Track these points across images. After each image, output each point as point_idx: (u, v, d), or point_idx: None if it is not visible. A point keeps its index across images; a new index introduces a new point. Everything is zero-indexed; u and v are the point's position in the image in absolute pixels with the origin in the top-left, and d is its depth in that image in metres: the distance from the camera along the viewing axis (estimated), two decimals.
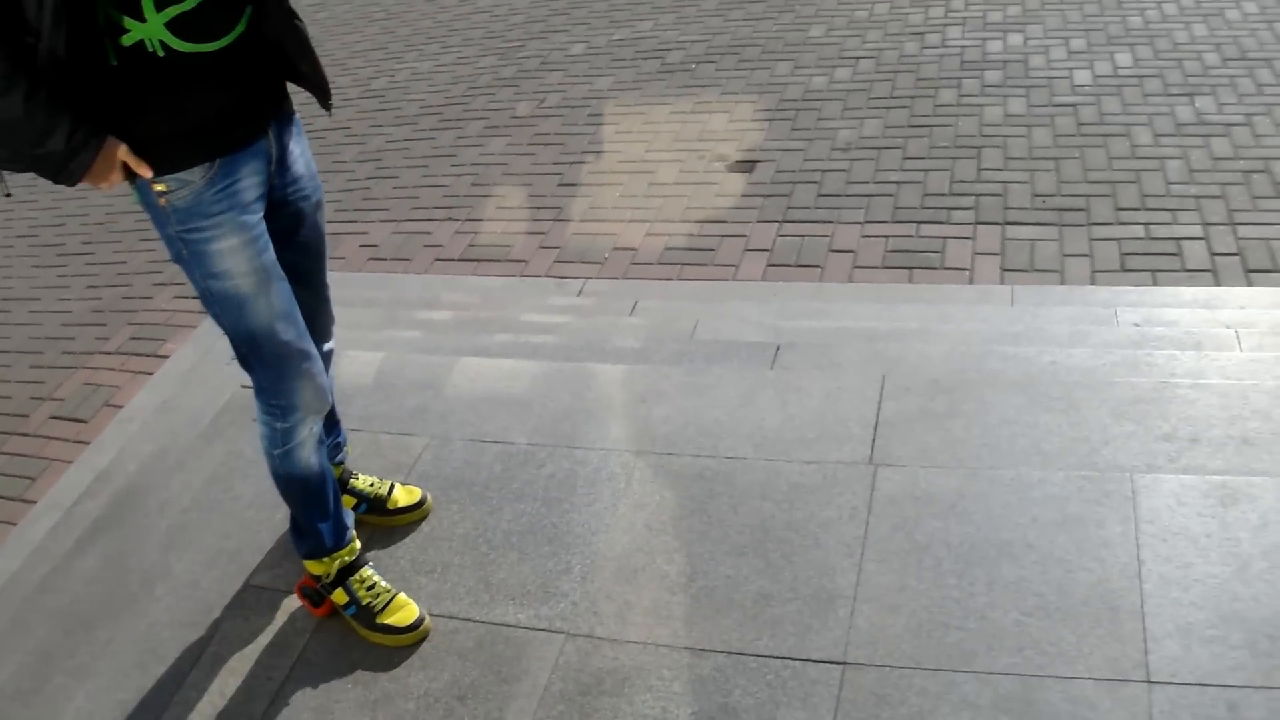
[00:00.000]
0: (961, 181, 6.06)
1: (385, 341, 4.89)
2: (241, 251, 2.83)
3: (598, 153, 7.11)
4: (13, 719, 3.44)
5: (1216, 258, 5.24)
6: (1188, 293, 4.93)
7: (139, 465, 4.47)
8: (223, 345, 5.09)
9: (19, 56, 2.48)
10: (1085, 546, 3.18)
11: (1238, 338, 4.28)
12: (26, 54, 2.49)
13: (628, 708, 3.01)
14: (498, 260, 6.11)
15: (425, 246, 6.40)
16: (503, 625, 3.31)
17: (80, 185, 2.73)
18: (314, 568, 3.42)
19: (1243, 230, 5.40)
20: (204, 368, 5.12)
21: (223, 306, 2.92)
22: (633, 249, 5.94)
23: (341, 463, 3.70)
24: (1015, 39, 7.63)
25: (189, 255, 2.84)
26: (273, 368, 3.03)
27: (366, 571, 3.43)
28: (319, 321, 3.34)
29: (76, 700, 3.43)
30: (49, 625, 3.76)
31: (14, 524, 4.62)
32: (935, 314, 4.70)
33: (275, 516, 3.83)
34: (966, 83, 7.13)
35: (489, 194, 6.89)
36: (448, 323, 5.25)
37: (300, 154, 3.06)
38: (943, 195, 5.95)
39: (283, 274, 2.96)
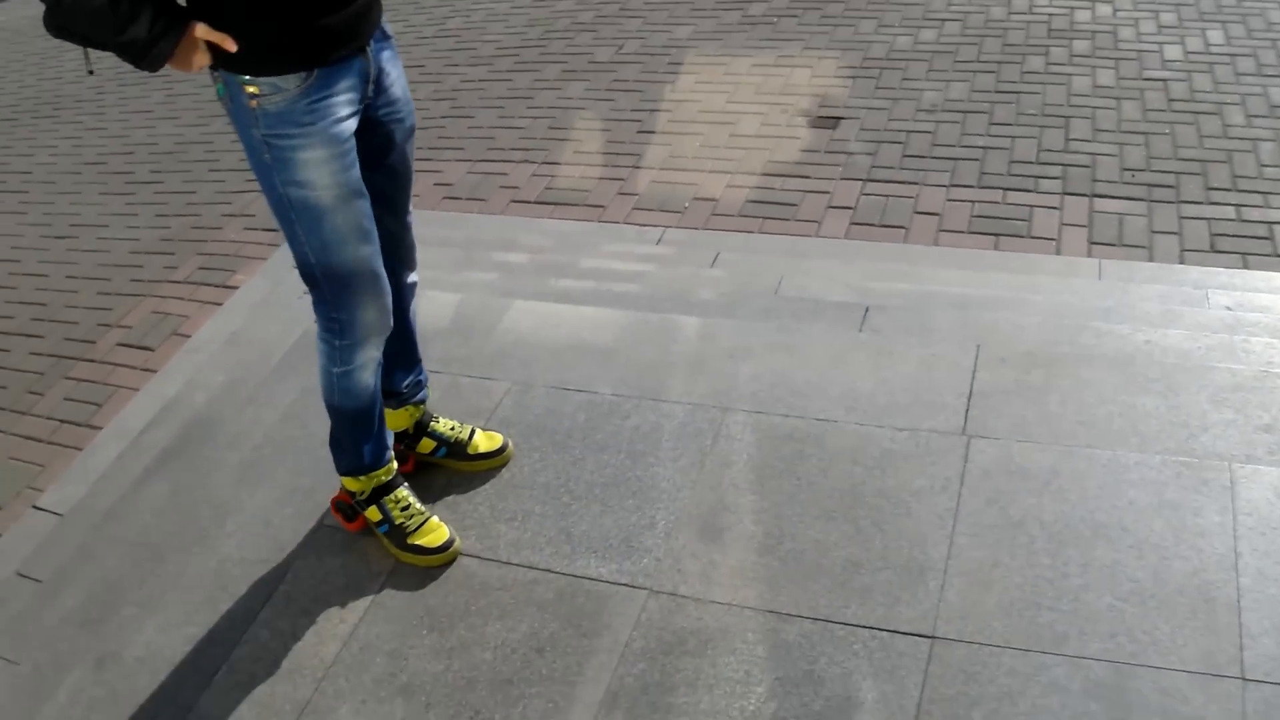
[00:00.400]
0: (1049, 150, 5.95)
1: (463, 283, 4.84)
2: (327, 165, 2.81)
3: (677, 101, 7.01)
4: (82, 648, 3.43)
5: None
6: None
7: (208, 397, 4.45)
8: (294, 278, 5.07)
9: None
10: (1181, 534, 3.11)
11: None
12: None
13: (710, 669, 2.97)
14: (575, 205, 6.05)
15: (501, 188, 6.34)
16: (584, 578, 3.27)
17: (179, 90, 2.73)
18: (350, 484, 3.45)
19: None
20: (274, 301, 5.10)
21: (298, 214, 2.89)
22: (713, 199, 5.86)
23: (423, 403, 3.67)
24: (1104, 9, 7.48)
25: (271, 160, 2.81)
26: (339, 282, 3.01)
27: (402, 492, 3.45)
28: (402, 250, 3.33)
29: (146, 632, 3.41)
30: (117, 554, 3.74)
31: (80, 449, 4.62)
32: (1024, 284, 4.62)
33: None
34: (1054, 51, 7.00)
35: (566, 138, 6.82)
36: (525, 266, 5.19)
37: (397, 77, 3.03)
38: (1030, 163, 5.85)
39: (365, 192, 2.94)
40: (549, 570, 3.32)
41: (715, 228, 5.62)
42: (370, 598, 3.36)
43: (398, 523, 3.41)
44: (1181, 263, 5.05)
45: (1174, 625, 2.87)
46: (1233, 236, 5.18)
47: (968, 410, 3.63)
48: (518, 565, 3.35)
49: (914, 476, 3.41)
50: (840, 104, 6.66)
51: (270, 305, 5.08)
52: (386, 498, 3.43)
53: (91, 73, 2.88)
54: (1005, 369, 3.77)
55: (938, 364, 3.84)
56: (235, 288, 5.58)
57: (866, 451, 3.52)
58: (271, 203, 2.92)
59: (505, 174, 6.48)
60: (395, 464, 3.48)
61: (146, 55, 2.61)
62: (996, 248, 5.21)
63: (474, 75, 7.97)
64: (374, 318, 3.09)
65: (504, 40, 8.50)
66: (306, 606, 3.38)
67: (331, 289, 3.02)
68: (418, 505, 3.45)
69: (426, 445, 3.67)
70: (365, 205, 2.94)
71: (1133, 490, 3.26)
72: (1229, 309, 4.42)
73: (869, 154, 6.08)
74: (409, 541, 3.40)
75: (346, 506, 3.53)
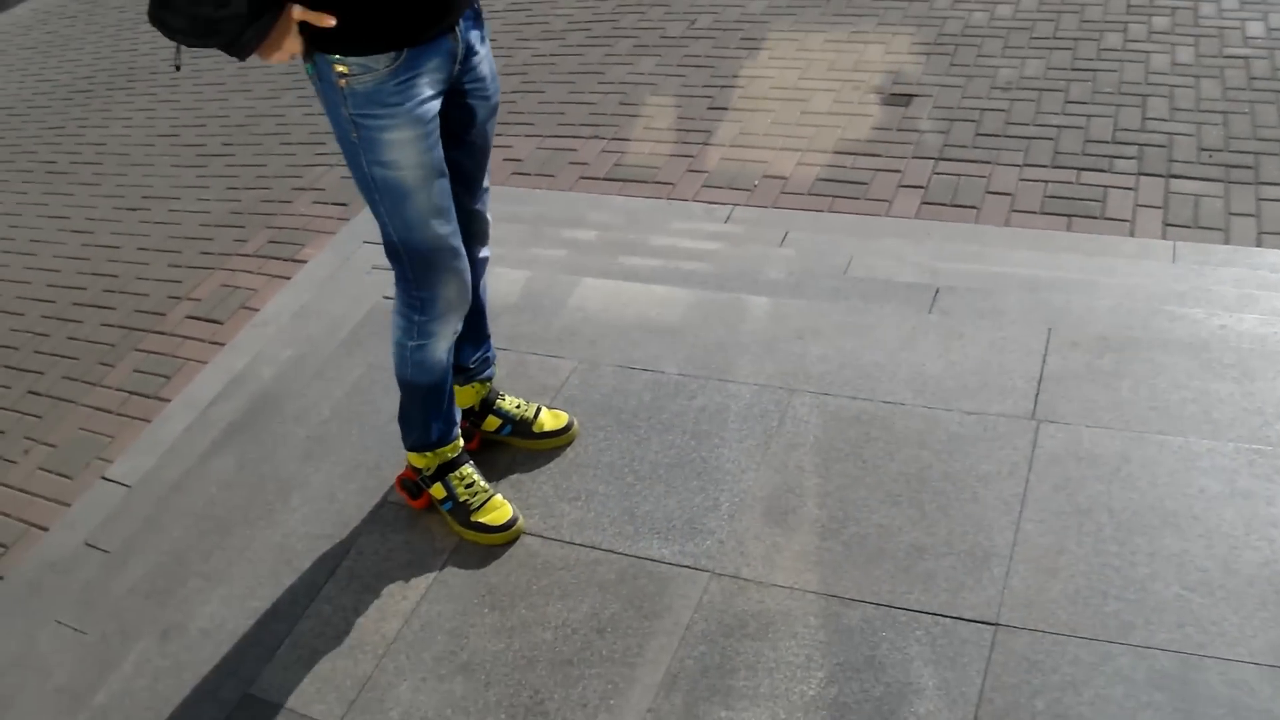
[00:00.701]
0: (1125, 130, 5.86)
1: (531, 259, 4.84)
2: (413, 145, 2.83)
3: (749, 77, 6.95)
4: (148, 619, 3.47)
5: None
6: None
7: (275, 371, 4.48)
8: (363, 253, 5.13)
9: None
10: (1254, 524, 3.07)
11: None
12: None
13: (771, 653, 2.96)
14: (644, 181, 6.02)
15: (570, 164, 6.32)
16: (646, 559, 3.27)
17: (251, 62, 2.74)
18: (416, 460, 3.47)
19: None
20: (343, 275, 5.11)
21: (383, 194, 2.92)
22: (783, 178, 5.82)
23: (489, 380, 3.68)
24: None
25: (359, 139, 2.83)
26: (421, 259, 3.03)
27: (467, 469, 3.47)
28: (476, 225, 3.35)
29: (211, 605, 3.46)
30: (184, 526, 3.79)
31: (149, 421, 4.65)
32: (1097, 266, 4.55)
33: None
34: (1133, 28, 6.89)
35: (636, 114, 6.78)
36: (593, 243, 5.18)
37: (485, 56, 3.05)
38: (1105, 143, 5.76)
39: (446, 171, 2.96)
40: (611, 551, 3.32)
41: (785, 206, 5.57)
42: (433, 575, 3.38)
43: (461, 500, 3.43)
44: (1259, 245, 4.96)
45: (1243, 616, 2.83)
46: None
47: (1037, 394, 3.59)
48: (580, 545, 3.36)
49: (981, 461, 3.38)
50: (913, 81, 6.59)
51: (338, 280, 5.09)
52: (451, 474, 3.45)
53: (178, 68, 2.89)
54: (1076, 353, 3.72)
55: (1007, 347, 3.80)
56: (304, 262, 5.59)
57: (933, 435, 3.49)
58: (358, 180, 2.95)
59: (574, 150, 6.46)
60: (461, 441, 3.49)
61: (241, 36, 2.60)
62: (1069, 229, 5.14)
63: (545, 49, 7.94)
64: (454, 294, 3.11)
65: (576, 14, 8.47)
66: (369, 582, 3.41)
67: (414, 265, 3.05)
68: (482, 483, 3.47)
69: (492, 423, 3.68)
70: (446, 184, 2.97)
71: (1204, 478, 3.22)
72: None
73: (942, 132, 6.01)
74: (472, 519, 3.42)
75: (411, 483, 3.55)
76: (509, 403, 3.70)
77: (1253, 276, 4.48)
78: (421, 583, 3.37)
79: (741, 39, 7.47)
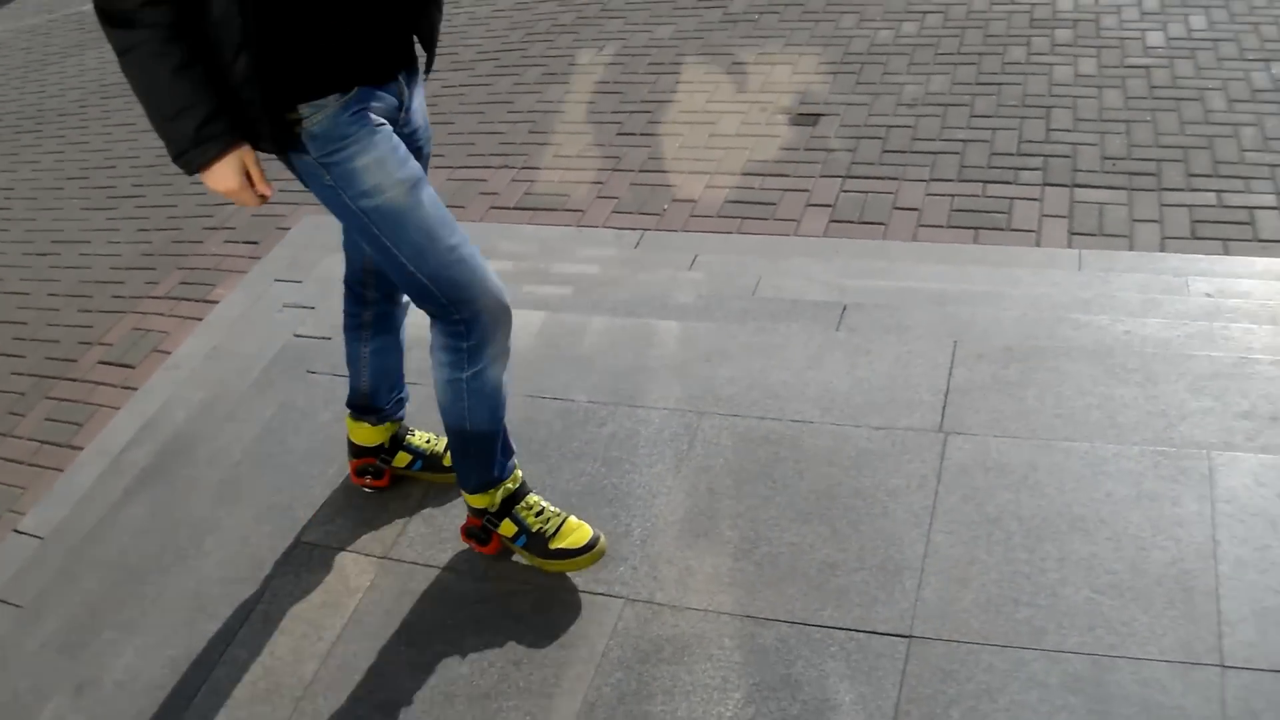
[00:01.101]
0: (1030, 141, 5.94)
1: None
2: (386, 163, 2.77)
3: (657, 102, 7.00)
4: (62, 674, 3.41)
5: None
6: (1260, 263, 4.82)
7: (187, 414, 4.44)
8: (274, 291, 5.11)
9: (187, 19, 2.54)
10: (1160, 524, 3.10)
11: None
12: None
13: (687, 676, 2.95)
14: (554, 209, 6.03)
15: (481, 194, 6.32)
16: (560, 588, 3.25)
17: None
18: (478, 501, 3.28)
19: None
20: (254, 315, 5.09)
21: (382, 226, 2.81)
22: (692, 201, 5.85)
23: (402, 419, 3.64)
24: None
25: (334, 179, 2.77)
26: (448, 280, 2.87)
27: (532, 497, 3.29)
28: None
29: (126, 656, 3.40)
30: (97, 577, 3.73)
31: (61, 470, 4.62)
32: (1003, 277, 4.60)
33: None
34: (1036, 41, 6.99)
35: (546, 142, 6.80)
36: (505, 272, 5.10)
37: (419, 107, 3.04)
38: (1010, 155, 5.84)
39: (427, 179, 2.89)
40: (525, 582, 3.30)
41: (694, 229, 5.61)
42: (348, 614, 3.34)
43: (535, 530, 3.25)
44: (1162, 250, 5.04)
45: (1152, 616, 2.86)
46: (1214, 223, 5.16)
47: (944, 407, 3.61)
48: (494, 578, 3.34)
49: (890, 475, 3.39)
50: (821, 100, 6.65)
51: (250, 319, 5.07)
52: (518, 506, 3.28)
53: None
54: (982, 364, 3.75)
55: (914, 361, 3.82)
56: (215, 302, 5.56)
57: (842, 452, 3.50)
58: (354, 228, 2.88)
59: (485, 180, 6.46)
60: (520, 471, 3.34)
61: (185, 154, 2.63)
62: (976, 241, 5.20)
63: (454, 80, 7.95)
64: (493, 303, 2.95)
65: (484, 44, 8.48)
66: (285, 625, 3.37)
67: (444, 291, 2.89)
68: (551, 508, 3.29)
69: (403, 459, 3.65)
70: (434, 194, 2.88)
71: (1110, 482, 3.25)
72: (1209, 295, 4.41)
73: (849, 150, 6.07)
74: (551, 548, 3.23)
75: (477, 529, 3.36)
76: (419, 438, 3.67)
77: (1156, 281, 4.55)
78: (337, 622, 3.33)
79: (650, 64, 7.52)
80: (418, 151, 3.05)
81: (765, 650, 2.97)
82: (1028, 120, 6.14)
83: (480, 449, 3.21)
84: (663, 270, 5.00)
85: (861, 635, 2.96)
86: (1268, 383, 3.53)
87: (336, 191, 2.79)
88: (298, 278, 5.31)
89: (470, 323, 2.94)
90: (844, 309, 4.22)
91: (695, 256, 5.12)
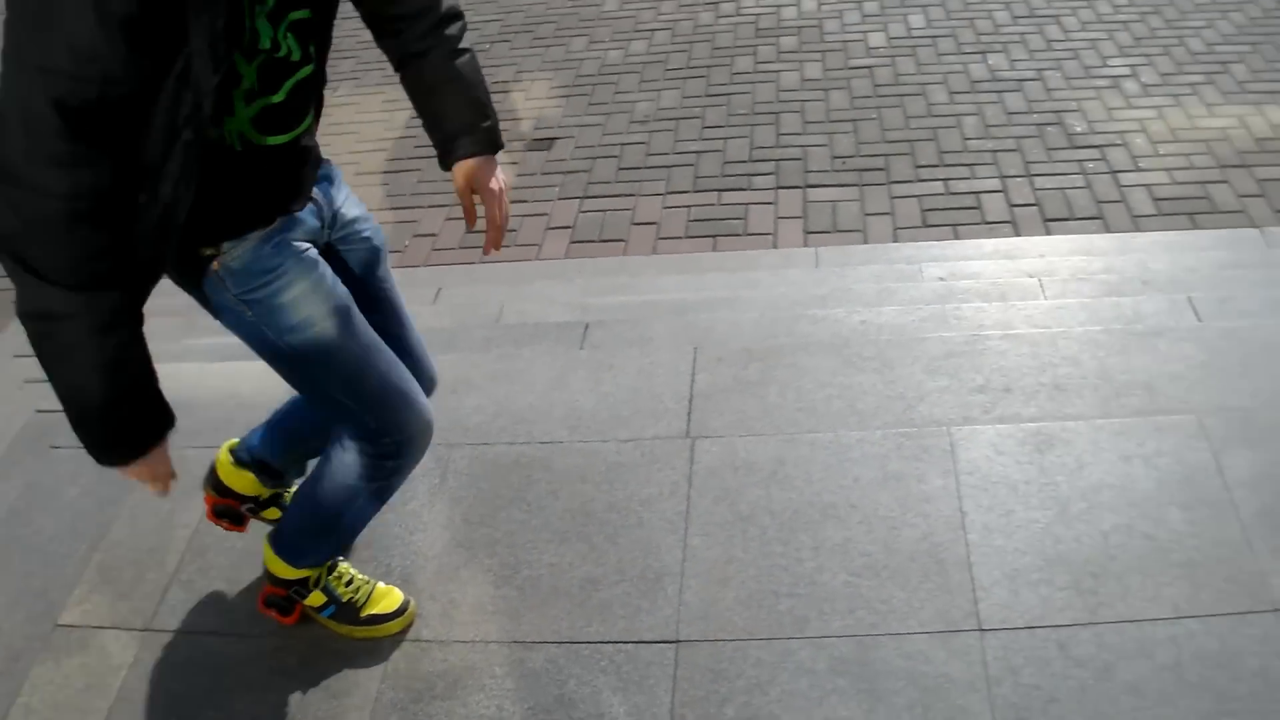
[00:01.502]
0: (761, 147, 6.05)
1: (185, 351, 4.69)
2: (315, 293, 2.52)
3: (395, 138, 6.94)
4: None
5: (1015, 209, 5.33)
6: (989, 244, 5.00)
7: None
8: (12, 369, 4.91)
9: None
10: (908, 503, 3.18)
11: (1041, 286, 4.36)
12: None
13: (462, 710, 2.91)
14: None
15: None
16: (326, 638, 3.17)
17: None
18: (293, 573, 3.11)
19: (1039, 181, 5.52)
20: None
21: (311, 363, 2.60)
22: (433, 234, 5.83)
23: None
24: (809, 4, 7.67)
25: (256, 316, 2.49)
26: (381, 408, 2.72)
27: (343, 566, 3.18)
28: (424, 382, 3.00)
29: None
30: None
31: None
32: (741, 281, 4.67)
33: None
34: (762, 50, 7.14)
35: None
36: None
37: (348, 196, 2.75)
38: (743, 162, 5.95)
39: (353, 301, 2.63)
40: (290, 636, 3.21)
41: (436, 263, 5.59)
42: (114, 695, 3.19)
43: (346, 600, 3.14)
44: (895, 241, 5.18)
45: (909, 591, 2.93)
46: (943, 210, 5.34)
47: (689, 413, 3.64)
48: (256, 636, 3.24)
49: (642, 486, 3.40)
50: (555, 124, 6.69)
51: None
52: (330, 578, 3.15)
53: None
54: (723, 367, 3.79)
55: (656, 371, 3.84)
56: None
57: (593, 468, 3.50)
58: (279, 368, 2.64)
59: None
60: None
61: (97, 441, 2.34)
62: (715, 249, 5.28)
63: None
64: (424, 425, 2.81)
65: None
66: (48, 716, 3.22)
67: (379, 419, 2.74)
68: (361, 575, 3.19)
69: (273, 514, 3.40)
70: (360, 315, 2.65)
71: (857, 468, 3.32)
72: (942, 279, 4.54)
73: (585, 171, 6.11)
74: (362, 615, 3.13)
75: (280, 599, 3.20)
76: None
77: (890, 271, 4.67)
78: (103, 705, 3.18)
79: (384, 101, 7.45)
80: (366, 241, 2.80)
81: (536, 673, 2.95)
82: (758, 127, 6.25)
83: (338, 540, 3.12)
84: (407, 307, 4.95)
85: (629, 646, 2.95)
86: (999, 356, 3.65)
87: (259, 328, 2.53)
88: None
89: (402, 444, 2.81)
90: (586, 327, 4.24)
91: (439, 290, 5.09)
